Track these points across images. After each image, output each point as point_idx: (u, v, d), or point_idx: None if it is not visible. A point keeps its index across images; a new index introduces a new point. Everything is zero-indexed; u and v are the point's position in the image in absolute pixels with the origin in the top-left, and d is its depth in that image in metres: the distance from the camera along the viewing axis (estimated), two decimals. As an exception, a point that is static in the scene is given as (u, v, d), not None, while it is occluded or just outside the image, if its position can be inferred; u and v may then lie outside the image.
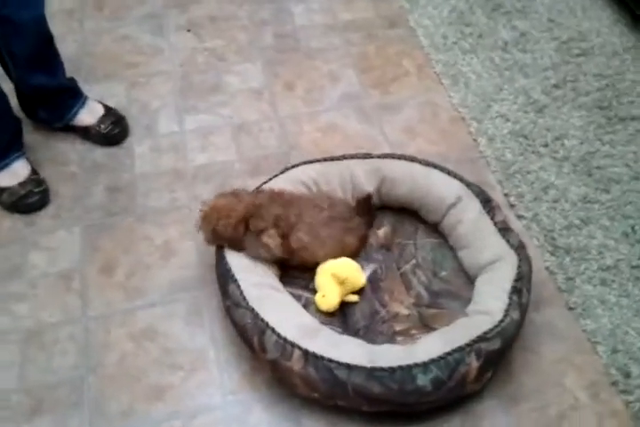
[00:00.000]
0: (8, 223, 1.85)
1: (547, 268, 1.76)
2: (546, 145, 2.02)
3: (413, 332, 1.58)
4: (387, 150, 2.00)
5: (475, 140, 2.04)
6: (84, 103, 1.99)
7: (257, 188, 1.68)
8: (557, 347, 1.63)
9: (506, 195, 1.90)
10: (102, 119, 1.99)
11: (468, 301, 1.60)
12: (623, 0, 2.41)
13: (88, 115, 1.98)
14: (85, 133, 2.00)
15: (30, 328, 1.65)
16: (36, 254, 1.78)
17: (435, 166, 1.70)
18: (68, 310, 1.68)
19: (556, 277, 1.74)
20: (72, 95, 1.97)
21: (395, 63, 2.26)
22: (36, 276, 1.75)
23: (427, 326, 1.59)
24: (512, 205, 1.88)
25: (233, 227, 1.53)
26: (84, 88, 2.02)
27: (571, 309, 1.70)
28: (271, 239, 1.54)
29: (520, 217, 1.85)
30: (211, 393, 1.55)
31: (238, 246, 1.57)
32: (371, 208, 1.73)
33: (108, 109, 2.02)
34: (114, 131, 2.00)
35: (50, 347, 1.62)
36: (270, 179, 1.70)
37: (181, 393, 1.55)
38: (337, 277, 1.56)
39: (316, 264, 1.64)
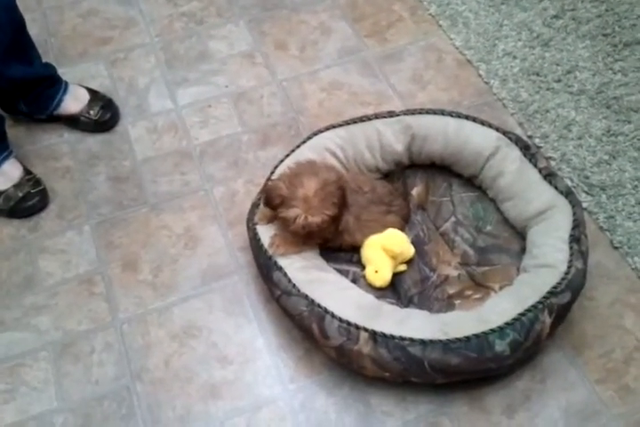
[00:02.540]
0: (9, 231, 1.70)
1: (585, 208, 1.69)
2: (559, 80, 1.93)
3: (468, 293, 1.51)
4: (397, 103, 1.89)
5: (486, 82, 1.94)
6: (66, 90, 1.82)
7: (281, 160, 1.56)
8: (610, 289, 1.59)
9: (530, 137, 1.82)
10: (90, 105, 1.83)
11: (518, 254, 1.54)
12: None
13: (73, 102, 1.82)
14: (73, 122, 1.84)
15: (60, 341, 1.54)
16: (48, 261, 1.65)
17: (467, 117, 1.59)
18: (97, 315, 1.57)
19: (597, 217, 1.69)
20: (52, 83, 1.80)
21: (386, 9, 2.12)
22: (52, 284, 1.62)
23: (480, 284, 1.53)
24: (538, 147, 1.79)
25: (324, 224, 1.38)
26: (59, 73, 1.84)
27: (616, 248, 1.65)
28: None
29: (549, 158, 1.77)
30: (269, 384, 1.47)
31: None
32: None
33: (93, 93, 1.86)
34: (105, 116, 1.84)
35: (85, 358, 1.51)
36: (293, 150, 1.58)
37: (238, 388, 1.47)
38: (389, 250, 1.47)
39: (355, 246, 1.54)
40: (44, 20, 2.12)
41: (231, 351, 1.51)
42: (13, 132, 1.84)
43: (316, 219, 1.35)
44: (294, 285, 1.39)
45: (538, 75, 1.94)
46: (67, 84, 1.82)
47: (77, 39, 2.07)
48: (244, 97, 1.93)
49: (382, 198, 1.55)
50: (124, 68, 2.00)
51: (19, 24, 1.63)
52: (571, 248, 1.41)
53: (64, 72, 1.89)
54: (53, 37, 2.08)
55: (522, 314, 1.33)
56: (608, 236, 1.66)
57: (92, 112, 1.82)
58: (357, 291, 1.43)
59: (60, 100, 1.80)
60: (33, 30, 2.03)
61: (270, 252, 1.44)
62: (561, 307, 1.36)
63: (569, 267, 1.39)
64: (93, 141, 1.85)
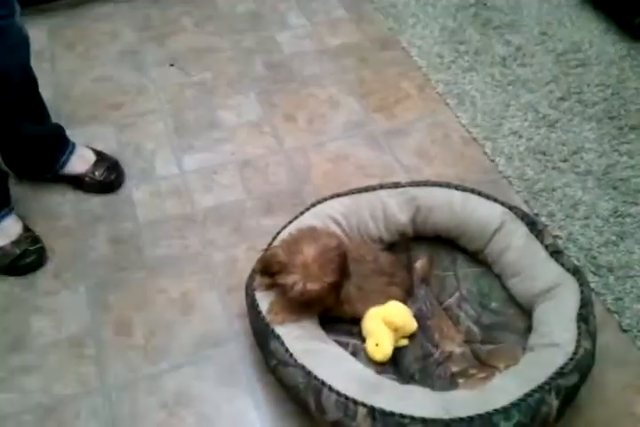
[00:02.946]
0: (3, 288, 1.66)
1: (592, 289, 1.66)
2: (565, 160, 1.94)
3: (472, 371, 1.46)
4: (403, 176, 1.89)
5: (492, 160, 1.95)
6: (73, 150, 1.82)
7: (283, 227, 1.54)
8: (619, 373, 1.53)
9: (536, 215, 1.81)
10: (95, 166, 1.83)
11: (523, 332, 1.49)
12: (608, 10, 2.39)
13: (79, 162, 1.82)
14: (78, 182, 1.84)
15: (45, 404, 1.47)
16: (40, 320, 1.60)
17: (472, 191, 1.59)
18: (85, 379, 1.51)
19: (605, 298, 1.65)
20: (60, 143, 1.81)
21: (394, 86, 2.16)
22: (43, 344, 1.56)
23: (485, 364, 1.47)
24: (545, 225, 1.78)
25: (323, 292, 1.34)
26: (68, 134, 1.85)
27: (625, 331, 1.61)
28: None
29: (555, 237, 1.76)
30: (261, 461, 1.39)
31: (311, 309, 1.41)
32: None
33: (99, 155, 1.86)
34: (110, 177, 1.84)
35: (70, 424, 1.44)
36: (296, 217, 1.56)
37: (228, 465, 1.39)
38: (390, 323, 1.43)
39: (355, 317, 1.50)
40: (58, 84, 2.16)
41: (222, 424, 1.44)
42: (17, 189, 1.84)
43: (314, 286, 1.32)
44: (291, 354, 1.34)
45: (544, 154, 1.96)
46: (74, 144, 1.83)
47: (88, 103, 2.10)
48: (249, 165, 1.93)
49: (385, 269, 1.52)
50: (132, 132, 2.01)
51: (31, 84, 1.65)
52: (578, 327, 1.37)
53: (73, 134, 1.90)
54: (65, 101, 2.11)
55: (528, 395, 1.26)
56: (616, 318, 1.62)
57: (97, 173, 1.82)
58: (357, 364, 1.38)
59: (67, 160, 1.80)
60: (45, 93, 2.06)
61: (268, 319, 1.40)
62: (569, 389, 1.30)
63: (577, 347, 1.34)
64: (96, 202, 1.84)
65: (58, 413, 1.45)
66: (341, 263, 1.35)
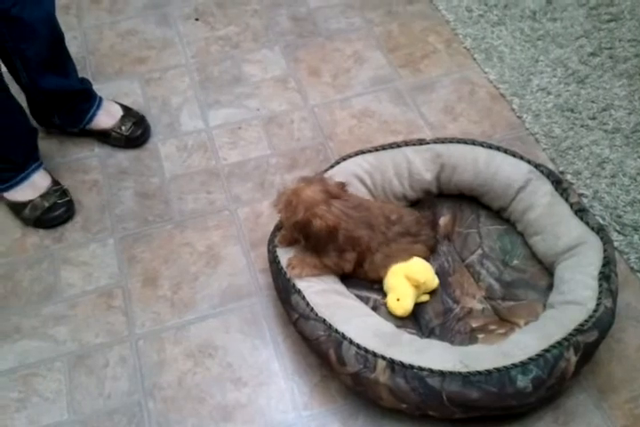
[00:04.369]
0: (34, 240, 1.70)
1: (616, 248, 1.65)
2: (594, 118, 1.91)
3: (492, 327, 1.47)
4: (428, 133, 1.88)
5: (519, 117, 1.93)
6: (99, 105, 1.84)
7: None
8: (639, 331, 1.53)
9: (562, 173, 1.79)
10: (122, 120, 1.84)
11: (545, 290, 1.50)
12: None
13: (106, 117, 1.84)
14: (104, 137, 1.86)
15: (75, 352, 1.52)
16: (70, 272, 1.65)
17: (498, 148, 1.58)
18: (114, 329, 1.56)
19: (629, 257, 1.64)
20: (87, 97, 1.82)
21: (421, 41, 2.13)
22: (72, 295, 1.61)
23: (505, 320, 1.48)
24: (570, 184, 1.77)
25: (324, 229, 1.35)
26: (94, 88, 1.86)
27: (647, 289, 1.60)
28: (349, 261, 1.43)
29: (580, 195, 1.74)
30: (283, 409, 1.43)
31: (316, 246, 1.41)
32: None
33: (126, 110, 1.88)
34: (136, 132, 1.85)
35: (99, 371, 1.49)
36: (321, 174, 1.56)
37: (251, 412, 1.43)
38: (412, 279, 1.44)
39: (378, 279, 1.52)
40: (84, 39, 2.16)
41: (246, 373, 1.48)
42: (45, 144, 1.87)
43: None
44: (312, 308, 1.37)
45: (572, 111, 1.93)
46: (101, 99, 1.84)
47: (115, 58, 2.10)
48: (274, 121, 1.93)
49: (410, 229, 1.52)
50: (158, 87, 2.02)
51: (58, 38, 1.66)
52: (600, 286, 1.38)
53: (99, 88, 1.91)
54: (92, 55, 2.12)
55: (546, 350, 1.28)
56: (639, 277, 1.62)
57: (123, 128, 1.84)
58: (377, 318, 1.40)
59: (94, 115, 1.82)
60: (72, 47, 2.08)
61: (287, 273, 1.42)
62: (587, 345, 1.31)
63: (597, 305, 1.35)
64: (123, 157, 1.86)
65: (88, 360, 1.51)
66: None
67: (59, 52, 1.69)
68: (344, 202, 1.39)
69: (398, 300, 1.45)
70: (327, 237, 1.37)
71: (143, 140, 1.88)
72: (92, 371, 1.49)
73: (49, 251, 1.68)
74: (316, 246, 1.41)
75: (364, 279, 1.53)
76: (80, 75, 1.82)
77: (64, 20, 2.16)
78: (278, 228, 1.51)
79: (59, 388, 1.47)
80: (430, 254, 1.57)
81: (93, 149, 1.88)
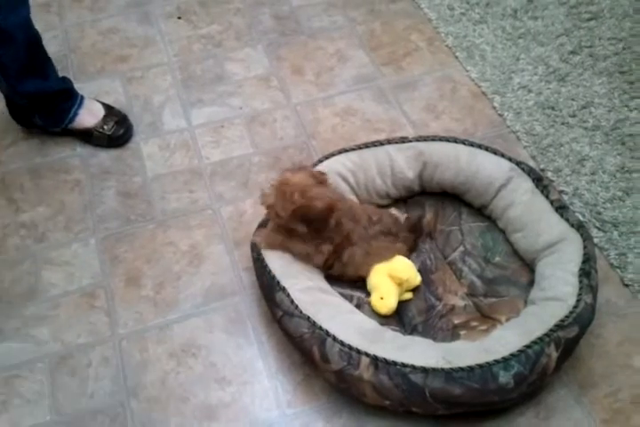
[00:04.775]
0: (15, 241, 1.69)
1: (596, 244, 1.67)
2: (574, 115, 1.93)
3: (474, 324, 1.48)
4: (410, 131, 1.89)
5: (500, 115, 1.94)
6: (81, 104, 1.82)
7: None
8: (619, 327, 1.55)
9: (542, 170, 1.81)
10: (104, 120, 1.84)
11: (526, 286, 1.51)
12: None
13: (88, 116, 1.83)
14: (87, 136, 1.85)
15: (57, 353, 1.52)
16: (51, 272, 1.64)
17: (479, 146, 1.59)
18: (96, 329, 1.55)
19: (609, 253, 1.66)
20: (68, 96, 1.80)
21: (403, 39, 2.13)
22: (54, 295, 1.60)
23: (486, 316, 1.50)
24: (551, 181, 1.78)
25: (326, 209, 1.37)
26: (76, 87, 1.85)
27: (627, 285, 1.61)
28: (323, 254, 1.44)
29: (561, 192, 1.76)
30: (267, 408, 1.44)
31: (319, 231, 1.41)
32: (421, 229, 1.62)
33: (108, 108, 1.87)
34: (118, 131, 1.85)
35: (82, 372, 1.49)
36: (303, 172, 1.57)
37: (235, 411, 1.43)
38: (395, 277, 1.45)
39: (359, 278, 1.53)
40: (65, 37, 2.15)
41: (229, 373, 1.48)
42: (26, 143, 1.87)
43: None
44: (297, 306, 1.37)
45: (553, 109, 1.94)
46: (82, 98, 1.83)
47: (96, 56, 2.09)
48: (257, 119, 1.93)
49: (390, 229, 1.53)
50: (140, 85, 2.01)
51: (34, 41, 1.64)
52: (580, 282, 1.39)
53: (81, 87, 1.91)
54: (73, 53, 2.10)
55: (527, 346, 1.30)
56: (619, 273, 1.63)
57: (105, 127, 1.83)
58: (361, 316, 1.41)
59: (75, 114, 1.81)
60: (53, 46, 2.09)
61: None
62: (568, 341, 1.33)
63: (578, 301, 1.37)
64: (106, 156, 1.85)
65: (70, 361, 1.50)
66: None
67: (36, 55, 1.67)
68: (331, 188, 1.40)
69: (382, 298, 1.46)
70: (327, 220, 1.38)
71: (126, 139, 1.87)
72: (75, 371, 1.49)
73: (30, 251, 1.67)
74: (318, 231, 1.41)
75: (342, 276, 1.53)
76: (61, 74, 1.81)
77: (45, 19, 2.19)
78: (262, 225, 1.52)
79: (41, 389, 1.46)
80: (410, 254, 1.57)
81: (75, 149, 1.87)
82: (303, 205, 1.36)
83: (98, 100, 1.88)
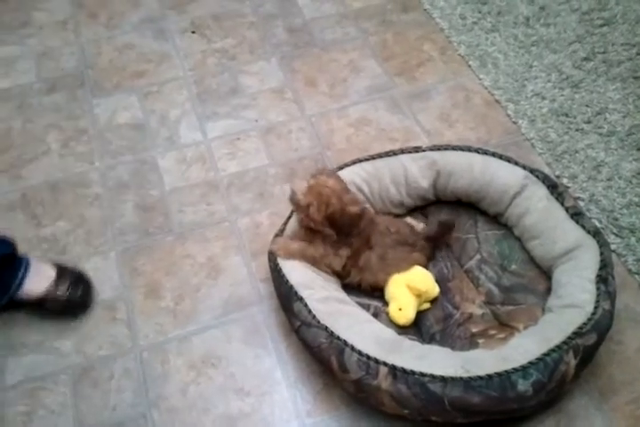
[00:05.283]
0: (36, 255, 1.70)
1: (614, 250, 1.67)
2: (588, 121, 1.93)
3: (492, 332, 1.49)
4: (425, 140, 1.90)
5: (514, 122, 1.94)
6: (27, 267, 1.54)
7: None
8: (638, 333, 1.54)
9: (558, 177, 1.81)
10: (57, 282, 1.57)
11: (543, 294, 1.51)
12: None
13: (37, 281, 1.55)
14: (36, 306, 1.57)
15: (80, 364, 1.53)
16: (73, 285, 1.66)
17: (493, 154, 1.59)
18: (118, 341, 1.57)
19: (626, 259, 1.66)
20: (11, 261, 1.53)
21: (416, 49, 2.15)
22: (76, 308, 1.62)
23: (504, 324, 1.50)
24: (567, 187, 1.78)
25: (359, 215, 1.41)
26: (92, 103, 1.88)
27: (645, 291, 1.61)
28: (341, 257, 1.46)
29: (577, 199, 1.76)
30: (286, 418, 1.45)
31: (348, 235, 1.44)
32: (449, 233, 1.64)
33: (60, 269, 1.60)
34: (76, 293, 1.58)
35: (104, 384, 1.51)
36: (319, 183, 1.58)
37: (255, 421, 1.44)
38: (413, 289, 1.46)
39: (376, 286, 1.54)
40: (82, 54, 2.18)
41: (249, 383, 1.49)
42: (47, 158, 1.88)
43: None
44: (314, 316, 1.38)
45: (567, 115, 1.94)
46: (28, 260, 1.56)
47: (113, 72, 2.12)
48: (272, 131, 1.95)
49: (407, 239, 1.54)
50: (156, 100, 2.04)
51: None
52: (598, 289, 1.39)
53: (98, 103, 1.94)
54: (90, 70, 2.13)
55: (546, 354, 1.30)
56: (637, 279, 1.63)
57: (59, 292, 1.57)
58: (378, 325, 1.42)
59: (22, 282, 1.53)
60: (70, 63, 2.13)
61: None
62: (587, 348, 1.32)
63: (595, 307, 1.36)
64: (123, 170, 1.87)
65: (93, 373, 1.52)
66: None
67: None
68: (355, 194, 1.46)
69: (400, 309, 1.47)
70: (357, 226, 1.41)
71: (86, 303, 1.61)
72: (97, 383, 1.51)
73: (52, 265, 1.70)
74: (345, 235, 1.44)
75: (359, 284, 1.54)
76: (79, 90, 1.83)
77: (61, 36, 2.22)
78: (279, 236, 1.53)
79: (65, 401, 1.48)
80: (428, 262, 1.58)
81: (94, 163, 1.89)
82: (339, 209, 1.38)
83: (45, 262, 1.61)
